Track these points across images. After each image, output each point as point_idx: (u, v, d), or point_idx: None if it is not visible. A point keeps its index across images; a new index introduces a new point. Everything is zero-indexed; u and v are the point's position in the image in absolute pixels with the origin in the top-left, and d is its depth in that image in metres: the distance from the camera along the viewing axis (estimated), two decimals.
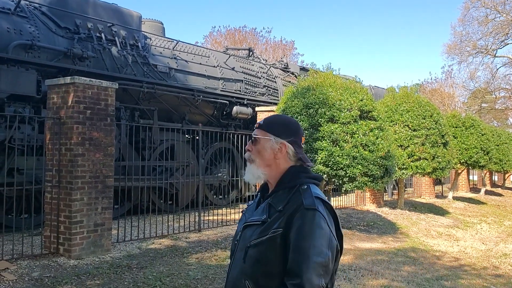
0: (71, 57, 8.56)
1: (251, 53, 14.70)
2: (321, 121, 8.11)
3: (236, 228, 2.01)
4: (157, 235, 7.41)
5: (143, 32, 10.49)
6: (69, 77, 6.13)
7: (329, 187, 9.41)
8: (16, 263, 5.45)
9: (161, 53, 10.68)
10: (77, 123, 5.89)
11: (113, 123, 6.36)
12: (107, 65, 9.25)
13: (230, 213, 9.55)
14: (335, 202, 11.43)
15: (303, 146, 1.92)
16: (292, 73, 14.78)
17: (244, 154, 1.93)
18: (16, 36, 7.91)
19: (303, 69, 15.55)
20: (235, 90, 12.22)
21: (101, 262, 5.79)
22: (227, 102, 11.68)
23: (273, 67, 14.50)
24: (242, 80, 12.55)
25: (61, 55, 8.46)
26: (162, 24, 11.87)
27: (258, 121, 1.99)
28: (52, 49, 8.36)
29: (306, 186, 1.79)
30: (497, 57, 32.47)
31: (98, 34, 9.28)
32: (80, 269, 5.45)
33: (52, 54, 8.37)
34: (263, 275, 1.71)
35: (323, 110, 8.14)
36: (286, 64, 15.15)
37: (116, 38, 9.60)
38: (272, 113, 9.35)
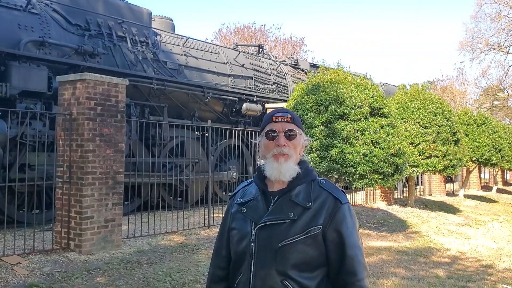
0: (81, 54, 8.61)
1: (260, 49, 14.66)
2: (331, 118, 8.07)
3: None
4: (167, 231, 7.43)
5: (153, 29, 10.52)
6: (80, 73, 6.16)
7: (339, 185, 9.37)
8: (27, 258, 5.49)
9: (171, 49, 10.69)
10: (88, 119, 5.92)
11: (123, 119, 6.38)
12: (118, 61, 9.29)
13: None
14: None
15: None
16: (302, 70, 14.73)
17: (276, 148, 1.79)
18: (28, 32, 7.97)
19: (313, 66, 15.49)
20: (245, 87, 12.21)
21: (111, 257, 5.82)
22: (237, 99, 11.66)
23: (283, 64, 14.45)
24: (252, 77, 12.53)
25: (72, 51, 8.51)
26: (172, 20, 11.89)
27: (277, 112, 1.85)
28: (63, 45, 8.41)
29: (324, 181, 1.81)
30: (509, 54, 32.09)
31: (108, 31, 9.32)
32: (91, 264, 5.48)
33: (63, 50, 8.42)
34: (303, 272, 1.70)
35: (334, 107, 8.10)
36: (296, 61, 15.09)
37: (127, 34, 9.63)
38: None
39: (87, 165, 5.89)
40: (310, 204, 1.73)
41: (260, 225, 1.74)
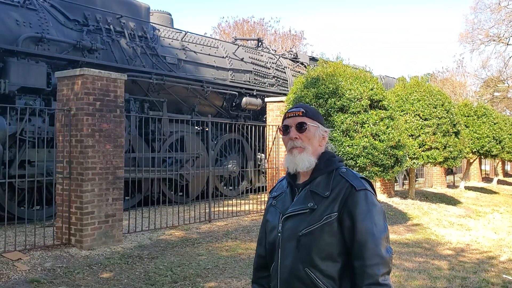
0: (80, 49, 8.59)
1: (260, 43, 14.62)
2: (331, 111, 8.06)
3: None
4: (168, 226, 7.45)
5: (151, 24, 10.48)
6: (79, 69, 6.15)
7: None
8: (28, 254, 5.50)
9: (170, 44, 10.66)
10: (87, 115, 5.91)
11: (122, 114, 6.37)
12: (116, 57, 9.27)
13: (240, 204, 9.56)
14: None
15: None
16: (302, 63, 14.69)
17: (289, 142, 1.89)
18: (26, 28, 7.95)
19: (312, 59, 15.45)
20: (244, 81, 12.19)
21: (112, 252, 5.83)
22: (237, 93, 11.65)
23: (282, 57, 14.41)
24: (251, 71, 12.50)
25: (71, 47, 8.49)
26: (171, 15, 11.84)
27: (291, 109, 1.95)
28: (61, 41, 8.39)
29: (345, 169, 1.85)
30: (510, 45, 31.99)
31: (107, 26, 9.29)
32: (92, 259, 5.50)
33: (61, 46, 8.40)
34: (324, 260, 1.75)
35: (333, 100, 8.08)
36: (295, 54, 15.05)
37: (125, 29, 9.60)
38: (281, 104, 9.31)
39: (87, 161, 5.89)
40: (328, 193, 1.80)
41: (285, 216, 1.85)
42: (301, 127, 1.88)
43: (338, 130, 7.92)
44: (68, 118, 6.01)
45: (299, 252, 1.78)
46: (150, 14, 10.67)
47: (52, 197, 7.20)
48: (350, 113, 8.03)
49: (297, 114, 1.90)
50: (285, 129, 1.92)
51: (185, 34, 11.15)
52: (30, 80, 7.60)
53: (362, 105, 8.13)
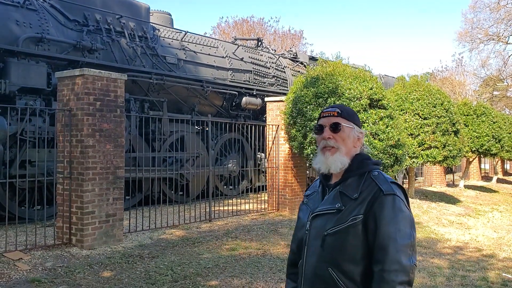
0: (80, 50, 8.61)
1: (259, 43, 14.64)
2: None
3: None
4: (169, 225, 7.47)
5: (151, 24, 10.50)
6: (79, 69, 6.17)
7: None
8: (29, 254, 5.53)
9: (169, 44, 10.68)
10: (87, 115, 5.93)
11: (123, 114, 6.39)
12: (116, 57, 9.28)
13: (241, 204, 9.58)
14: None
15: None
16: (301, 63, 14.70)
17: (322, 141, 1.90)
18: (26, 29, 7.96)
19: (312, 58, 15.46)
20: (244, 81, 12.20)
21: (113, 252, 5.85)
22: (236, 93, 11.67)
23: (282, 57, 14.43)
24: (251, 71, 12.52)
25: (71, 47, 8.50)
26: (170, 15, 11.85)
27: (326, 109, 1.96)
28: (61, 41, 8.40)
29: (377, 173, 1.84)
30: (509, 44, 31.99)
31: (107, 26, 9.31)
32: (93, 259, 5.52)
33: (61, 46, 8.42)
34: (347, 261, 1.75)
35: (332, 99, 8.11)
36: (295, 54, 15.07)
37: (125, 30, 9.62)
38: (281, 103, 9.32)
39: (87, 161, 5.91)
40: (356, 195, 1.79)
41: (313, 214, 1.88)
42: (335, 128, 1.88)
43: None
44: (68, 118, 6.03)
45: (323, 251, 1.79)
46: (150, 14, 10.69)
47: (53, 197, 7.22)
48: None
49: (332, 114, 1.90)
50: (319, 129, 1.92)
51: (185, 34, 11.17)
52: (31, 80, 7.62)
53: (362, 105, 8.15)
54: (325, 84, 8.31)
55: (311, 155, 8.29)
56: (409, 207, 1.81)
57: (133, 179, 8.57)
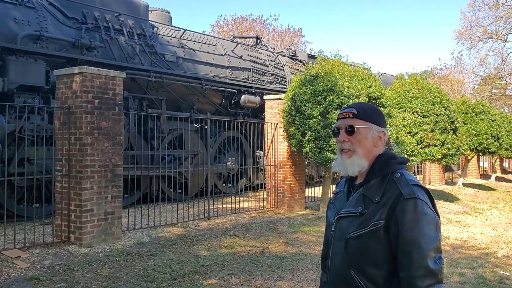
0: (79, 47, 8.60)
1: (258, 41, 14.63)
2: (329, 108, 8.08)
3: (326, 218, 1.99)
4: (167, 223, 7.47)
5: (150, 22, 10.48)
6: (77, 67, 6.16)
7: (337, 175, 9.40)
8: (28, 252, 5.53)
9: (168, 42, 10.67)
10: (86, 113, 5.93)
11: (121, 112, 6.38)
12: (115, 54, 9.27)
13: (239, 201, 9.58)
14: None
15: None
16: (300, 61, 14.70)
17: (338, 144, 1.88)
18: (24, 27, 7.95)
19: (311, 56, 15.46)
20: (243, 79, 12.20)
21: (111, 250, 5.85)
22: (235, 91, 11.67)
23: (281, 55, 14.43)
24: (250, 69, 12.52)
25: (69, 45, 8.49)
26: (169, 13, 11.84)
27: (343, 110, 1.91)
28: (60, 39, 8.39)
29: (399, 174, 1.78)
30: (508, 42, 32.01)
31: (105, 24, 9.29)
32: (91, 257, 5.52)
33: (60, 44, 8.40)
34: (369, 265, 1.74)
35: (331, 97, 8.11)
36: (294, 52, 15.06)
37: (124, 27, 9.60)
38: (280, 101, 9.33)
39: (85, 159, 5.91)
40: (378, 198, 1.75)
41: (338, 215, 1.86)
42: (350, 130, 1.83)
43: None
44: (67, 116, 6.03)
45: (346, 254, 1.78)
46: (149, 12, 10.68)
47: (51, 195, 7.21)
48: None
49: (347, 116, 1.86)
50: (336, 131, 1.89)
51: (184, 32, 11.15)
52: (29, 78, 7.61)
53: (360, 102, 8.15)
54: (323, 82, 8.31)
55: (310, 153, 8.30)
56: (434, 208, 1.77)
57: (132, 177, 8.57)
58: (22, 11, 8.07)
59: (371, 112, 1.87)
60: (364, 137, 1.82)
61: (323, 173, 10.55)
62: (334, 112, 8.02)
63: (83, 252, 5.66)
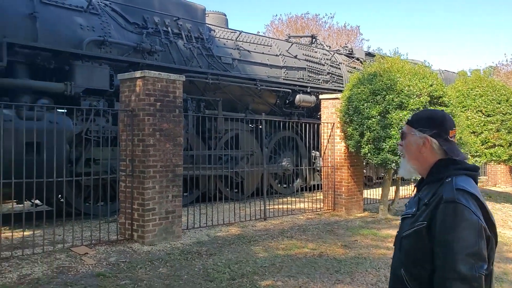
0: (140, 52, 8.90)
1: (314, 40, 14.51)
2: (389, 108, 7.88)
3: None
4: (225, 222, 7.58)
5: (207, 25, 10.68)
6: (139, 71, 6.37)
7: (397, 176, 9.14)
8: (94, 249, 5.78)
9: (224, 44, 10.82)
10: (148, 115, 6.12)
11: (181, 114, 6.54)
12: (174, 58, 9.52)
13: (295, 202, 9.55)
14: (405, 191, 11.08)
15: (452, 139, 1.93)
16: (357, 59, 14.44)
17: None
18: (89, 32, 8.32)
19: (368, 54, 15.14)
20: (298, 78, 12.15)
21: (172, 248, 6.01)
22: (290, 90, 11.64)
23: (337, 53, 14.23)
24: (305, 68, 12.45)
25: (131, 49, 8.81)
26: (225, 15, 12.01)
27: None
28: (122, 44, 8.72)
29: (450, 179, 1.83)
30: None
31: (165, 28, 9.56)
32: (153, 255, 5.69)
33: (122, 49, 8.73)
34: (414, 265, 1.82)
35: (391, 96, 7.90)
36: (350, 50, 14.82)
37: (182, 31, 9.84)
38: (336, 101, 9.20)
39: (148, 159, 6.10)
40: (427, 200, 1.84)
41: (402, 216, 1.99)
42: (401, 136, 2.02)
43: (397, 127, 7.73)
44: (130, 119, 6.25)
45: (400, 253, 1.90)
46: (206, 15, 10.88)
47: (116, 194, 7.51)
48: (409, 110, 7.81)
49: (406, 122, 2.02)
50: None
51: (240, 34, 11.27)
52: (94, 82, 7.96)
53: (422, 102, 7.89)
54: (382, 81, 8.11)
55: (369, 154, 8.13)
56: (485, 214, 1.77)
57: (190, 176, 8.77)
58: (87, 17, 8.45)
59: (420, 118, 1.96)
60: (409, 142, 1.95)
61: (382, 174, 10.31)
62: (394, 112, 7.81)
63: (145, 250, 5.85)
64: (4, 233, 6.04)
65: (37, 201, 7.75)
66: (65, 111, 7.49)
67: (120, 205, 6.44)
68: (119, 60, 8.49)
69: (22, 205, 7.22)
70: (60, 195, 7.60)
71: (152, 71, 6.34)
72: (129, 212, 6.21)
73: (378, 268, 5.62)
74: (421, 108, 7.89)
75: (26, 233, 6.12)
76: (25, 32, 7.53)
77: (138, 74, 6.23)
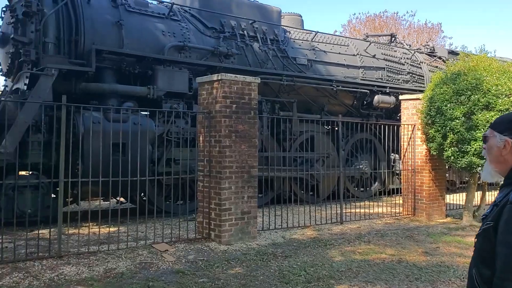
0: (217, 55, 9.13)
1: (393, 39, 14.06)
2: (474, 108, 7.42)
3: None
4: (300, 225, 7.53)
5: (282, 27, 10.71)
6: (217, 74, 6.53)
7: (484, 182, 8.58)
8: (174, 246, 6.00)
9: (300, 45, 10.78)
10: (225, 117, 6.25)
11: (256, 116, 6.61)
12: (249, 60, 9.65)
13: (373, 207, 9.29)
14: (491, 196, 10.38)
15: None
16: (440, 58, 13.77)
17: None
18: (170, 38, 8.68)
19: (451, 52, 14.40)
20: (376, 78, 11.83)
21: (248, 248, 6.08)
22: (368, 91, 11.35)
23: (418, 52, 13.68)
24: (384, 68, 12.08)
25: (209, 53, 9.06)
26: (301, 16, 11.97)
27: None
28: (201, 48, 9.00)
29: None
30: None
31: (241, 32, 9.73)
32: (230, 254, 5.79)
33: (201, 53, 9.02)
34: (482, 264, 1.84)
35: (476, 96, 7.43)
36: (432, 48, 14.17)
37: (258, 34, 9.96)
38: (417, 101, 8.83)
39: (224, 160, 6.23)
40: (498, 202, 1.85)
41: (481, 217, 2.00)
42: (483, 139, 2.03)
43: (483, 129, 7.25)
44: (207, 120, 6.42)
45: (474, 253, 1.93)
46: (282, 17, 10.92)
47: (194, 193, 7.75)
48: (496, 110, 7.30)
49: (489, 125, 2.04)
50: None
51: (315, 35, 11.18)
52: (174, 85, 8.30)
53: (511, 102, 7.35)
54: (467, 80, 7.65)
55: (452, 157, 7.71)
56: None
57: (265, 178, 8.83)
58: (168, 24, 8.82)
59: (502, 121, 1.97)
60: (490, 145, 1.95)
61: (466, 178, 9.72)
62: (480, 113, 7.34)
63: (222, 249, 5.97)
64: (92, 228, 6.45)
65: (121, 199, 8.21)
66: (148, 113, 7.87)
67: (198, 204, 6.63)
68: (198, 64, 8.78)
69: (108, 202, 7.68)
70: (142, 194, 7.99)
71: (228, 74, 6.47)
72: (207, 211, 6.38)
73: (463, 277, 5.29)
74: (511, 109, 7.35)
75: (112, 229, 6.50)
76: (112, 39, 8.02)
77: (215, 77, 6.38)
